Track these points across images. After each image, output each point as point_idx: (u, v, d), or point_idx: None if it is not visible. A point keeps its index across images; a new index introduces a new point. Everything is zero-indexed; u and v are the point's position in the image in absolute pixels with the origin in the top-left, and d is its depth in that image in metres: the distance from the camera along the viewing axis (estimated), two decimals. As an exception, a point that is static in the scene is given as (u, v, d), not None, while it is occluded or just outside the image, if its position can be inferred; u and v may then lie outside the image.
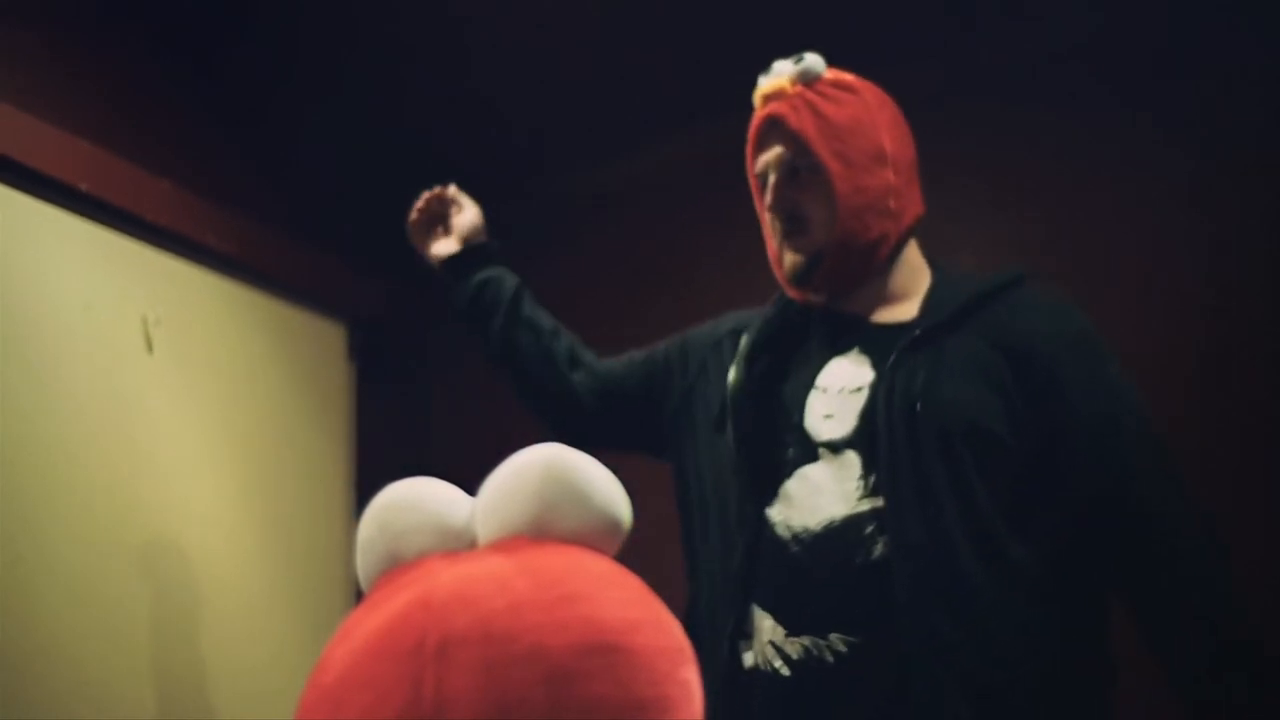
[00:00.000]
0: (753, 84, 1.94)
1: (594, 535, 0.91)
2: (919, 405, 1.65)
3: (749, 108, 1.99)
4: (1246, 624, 1.60)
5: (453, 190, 2.22)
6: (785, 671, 1.64)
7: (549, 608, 0.82)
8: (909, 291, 1.84)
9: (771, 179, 1.83)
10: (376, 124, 3.30)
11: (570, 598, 0.83)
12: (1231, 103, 2.75)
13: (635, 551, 1.02)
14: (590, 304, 3.47)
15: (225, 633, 2.72)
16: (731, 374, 1.85)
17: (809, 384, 1.79)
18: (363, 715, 0.80)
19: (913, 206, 1.87)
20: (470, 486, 0.99)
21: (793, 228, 1.81)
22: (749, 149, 1.89)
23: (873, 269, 1.82)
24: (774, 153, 1.83)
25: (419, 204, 2.21)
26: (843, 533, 1.65)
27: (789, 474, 1.73)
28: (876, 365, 1.74)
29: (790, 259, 1.82)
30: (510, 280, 2.19)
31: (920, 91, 3.05)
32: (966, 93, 3.03)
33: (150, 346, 2.65)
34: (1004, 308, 1.75)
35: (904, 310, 1.82)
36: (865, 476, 1.67)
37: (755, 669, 1.68)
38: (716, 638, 1.73)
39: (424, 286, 3.65)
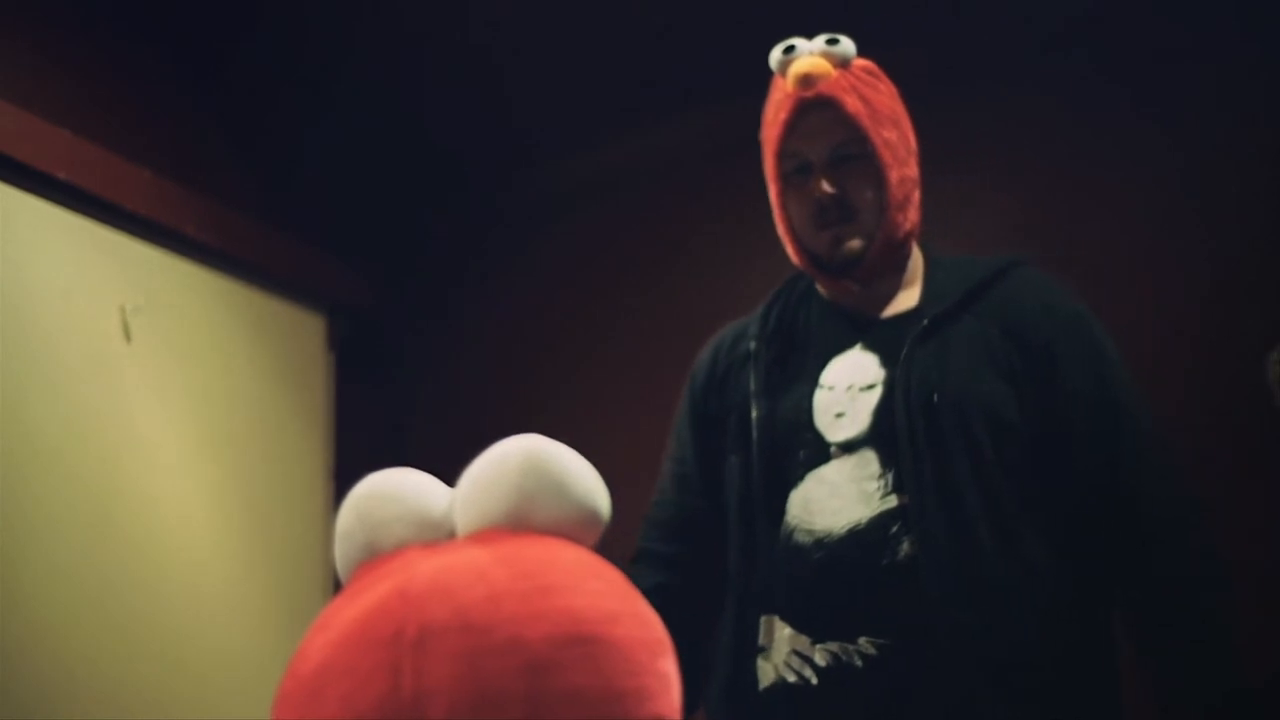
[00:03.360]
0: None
1: (573, 526, 0.91)
2: (936, 396, 1.64)
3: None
4: (1225, 612, 1.61)
5: None
6: (814, 680, 1.61)
7: (527, 598, 0.82)
8: (908, 282, 1.81)
9: (816, 163, 1.74)
10: (358, 114, 3.29)
11: (548, 589, 0.83)
12: (1226, 89, 2.75)
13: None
14: (579, 289, 3.48)
15: (202, 621, 2.71)
16: (751, 385, 1.79)
17: (813, 383, 1.74)
18: (341, 704, 0.80)
19: (920, 204, 1.84)
20: (449, 477, 0.99)
21: (843, 215, 1.73)
22: (776, 130, 1.76)
23: (900, 263, 1.80)
24: (821, 136, 1.73)
25: None
26: (867, 534, 1.63)
27: (801, 477, 1.70)
28: (886, 360, 1.71)
29: (843, 247, 1.74)
30: None
31: (903, 77, 3.07)
32: (951, 79, 3.03)
33: (129, 335, 2.64)
34: (1003, 292, 1.75)
35: (903, 301, 1.79)
36: (884, 474, 1.65)
37: (777, 683, 1.64)
38: (735, 657, 1.69)
39: (404, 277, 3.67)
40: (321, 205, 3.31)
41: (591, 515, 0.92)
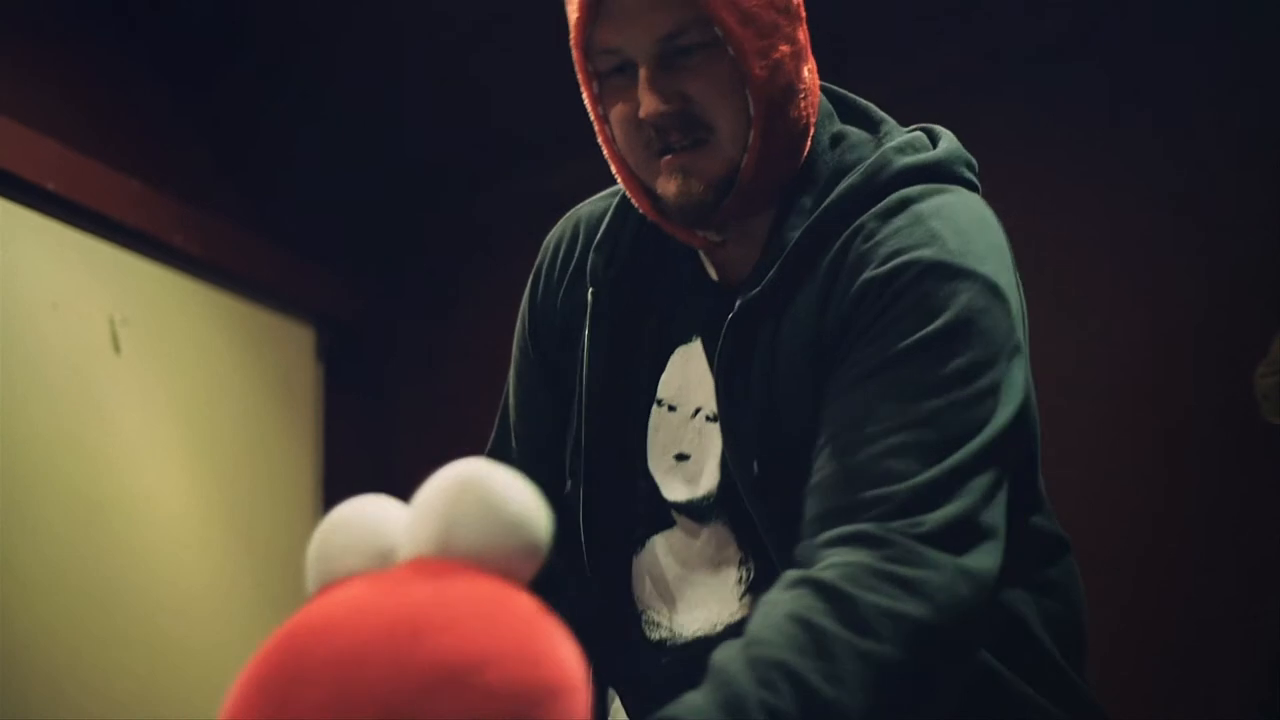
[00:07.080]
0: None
1: (499, 555, 0.87)
2: (756, 467, 1.15)
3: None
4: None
5: None
6: None
7: (394, 643, 0.79)
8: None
9: (643, 70, 1.16)
10: (348, 127, 3.28)
11: (419, 631, 0.80)
12: (1226, 89, 2.73)
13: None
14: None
15: (190, 632, 2.71)
16: (584, 373, 1.27)
17: (649, 394, 1.25)
18: None
19: (815, 75, 1.25)
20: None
21: (692, 139, 1.18)
22: (577, 14, 1.18)
23: (782, 182, 1.22)
24: (640, 26, 1.15)
25: None
26: (720, 646, 1.08)
27: (642, 541, 1.25)
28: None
29: (692, 186, 1.18)
30: None
31: (904, 78, 3.04)
32: (951, 79, 3.01)
33: (117, 346, 2.63)
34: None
35: (745, 255, 1.24)
36: (743, 563, 1.20)
37: None
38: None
39: (393, 288, 3.65)
40: (310, 217, 3.30)
41: (521, 545, 0.87)
